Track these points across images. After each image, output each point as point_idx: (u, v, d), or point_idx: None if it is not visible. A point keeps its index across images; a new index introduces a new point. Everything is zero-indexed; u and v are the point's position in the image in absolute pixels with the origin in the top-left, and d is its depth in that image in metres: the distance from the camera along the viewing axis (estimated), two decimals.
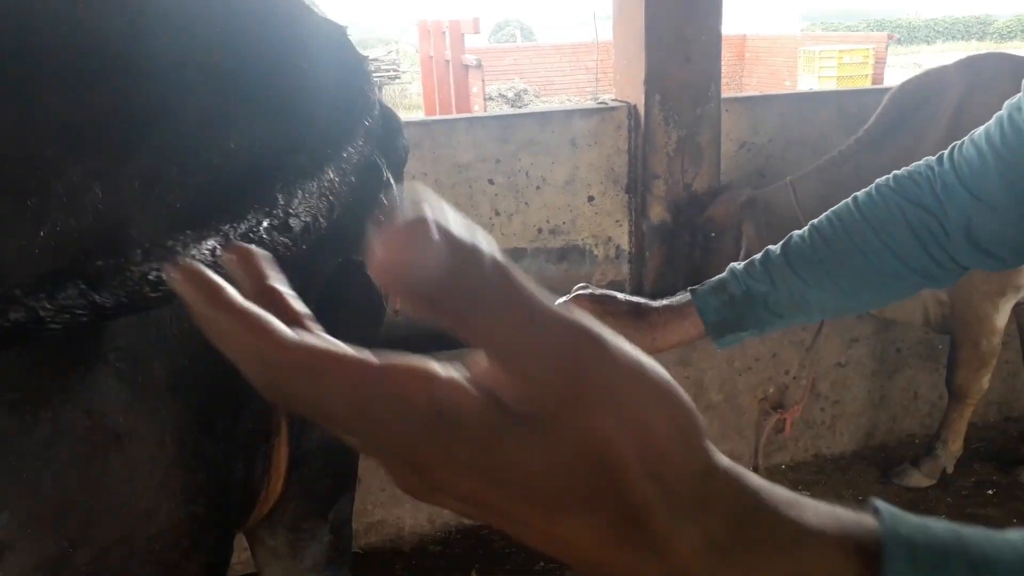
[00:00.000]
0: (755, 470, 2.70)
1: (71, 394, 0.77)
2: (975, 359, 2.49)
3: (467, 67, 9.47)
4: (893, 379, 3.04)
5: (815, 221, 1.13)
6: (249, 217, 0.71)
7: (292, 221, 0.73)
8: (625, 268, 3.16)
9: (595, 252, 3.13)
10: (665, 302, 1.13)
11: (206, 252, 0.69)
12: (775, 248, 1.13)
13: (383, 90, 15.59)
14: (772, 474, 2.71)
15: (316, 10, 0.92)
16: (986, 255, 1.05)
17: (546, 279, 3.02)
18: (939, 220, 1.05)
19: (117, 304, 0.67)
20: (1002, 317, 2.46)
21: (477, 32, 9.97)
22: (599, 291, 1.12)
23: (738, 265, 1.14)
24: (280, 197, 0.73)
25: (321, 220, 0.77)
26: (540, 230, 3.06)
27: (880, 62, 14.04)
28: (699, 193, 2.97)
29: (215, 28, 0.81)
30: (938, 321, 2.62)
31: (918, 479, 2.61)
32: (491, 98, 12.71)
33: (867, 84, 12.41)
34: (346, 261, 1.02)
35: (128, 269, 0.67)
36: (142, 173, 0.70)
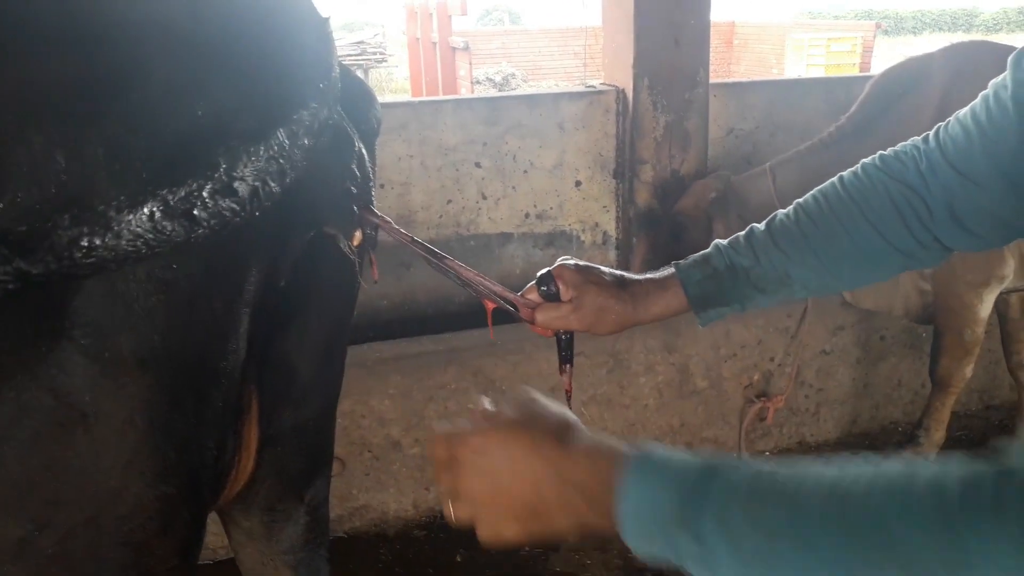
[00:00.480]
0: (738, 457, 2.71)
1: (34, 372, 0.75)
2: (959, 348, 2.50)
3: (454, 49, 9.41)
4: (877, 367, 3.06)
5: (800, 200, 1.14)
6: (189, 181, 0.69)
7: (237, 185, 0.71)
8: (612, 254, 3.15)
9: (582, 237, 3.11)
10: (648, 275, 1.15)
11: (143, 217, 0.67)
12: (759, 225, 1.14)
13: (369, 72, 15.48)
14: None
15: None
16: (968, 234, 1.05)
17: (533, 264, 3.00)
18: (923, 198, 1.06)
19: (45, 271, 0.65)
20: (986, 307, 2.46)
21: (464, 14, 9.90)
22: (583, 263, 1.13)
23: (722, 240, 1.15)
24: (222, 160, 0.70)
25: (272, 184, 0.74)
26: (527, 215, 3.04)
27: (868, 51, 14.06)
28: (686, 179, 2.95)
29: None
30: (918, 312, 2.63)
31: None
32: (478, 82, 12.62)
33: (855, 72, 12.43)
34: (318, 234, 1.00)
35: (55, 234, 0.64)
36: (107, 142, 0.68)
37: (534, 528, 0.73)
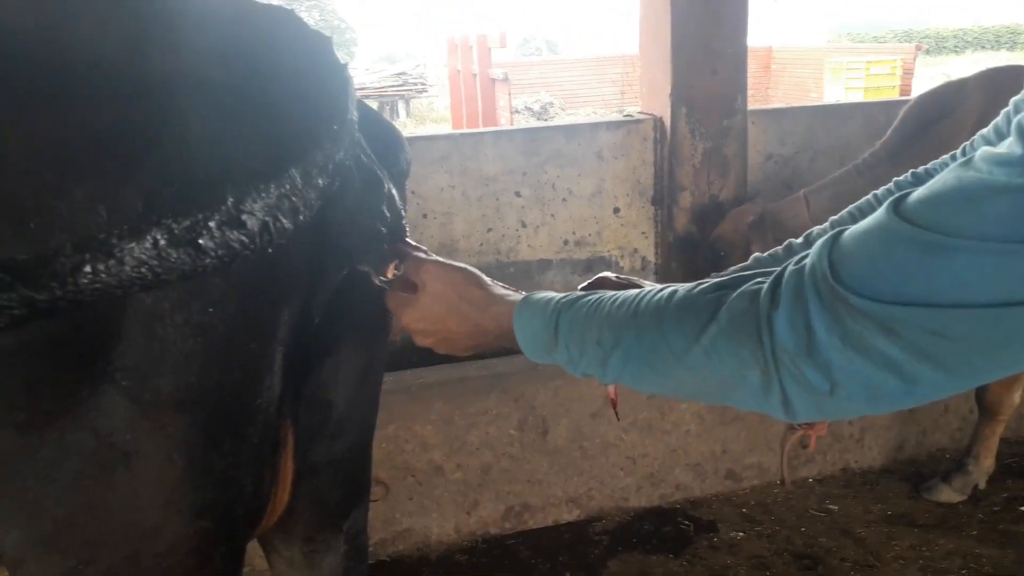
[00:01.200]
0: (781, 483, 2.68)
1: (76, 414, 0.77)
2: (1006, 376, 2.46)
3: (494, 80, 9.52)
4: None
5: (834, 216, 1.19)
6: (195, 212, 0.71)
7: (246, 218, 0.74)
8: (651, 279, 3.16)
9: (621, 263, 3.13)
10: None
11: (147, 246, 0.69)
12: (797, 239, 1.19)
13: (410, 103, 15.71)
14: (799, 488, 2.69)
15: (297, 19, 0.93)
16: None
17: (571, 289, 3.03)
18: None
19: (51, 298, 0.66)
20: None
21: (504, 46, 10.02)
22: (624, 277, 1.17)
23: (761, 254, 1.20)
24: (230, 195, 0.73)
25: (283, 221, 0.77)
26: (566, 241, 3.07)
27: (908, 73, 13.90)
28: (725, 205, 2.96)
29: (209, 39, 0.82)
30: None
31: (948, 494, 2.58)
32: (517, 111, 12.75)
33: (895, 95, 12.29)
34: (351, 272, 1.03)
35: (57, 261, 0.66)
36: (144, 194, 0.71)
37: (472, 350, 1.03)
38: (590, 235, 3.07)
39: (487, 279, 1.02)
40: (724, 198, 2.98)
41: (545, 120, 13.05)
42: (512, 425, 2.44)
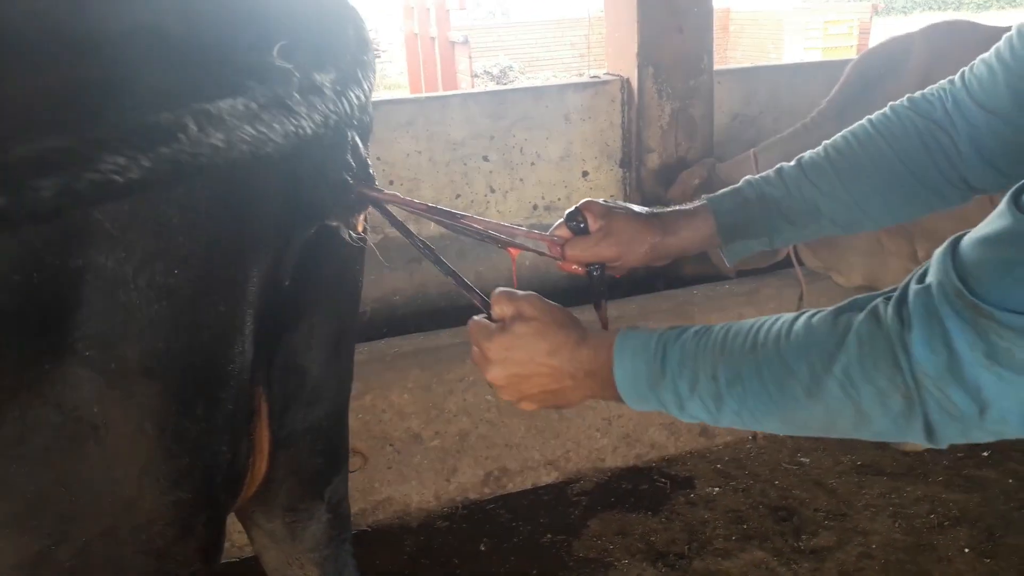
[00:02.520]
0: (752, 438, 2.73)
1: (38, 389, 0.74)
2: None
3: (453, 44, 9.40)
4: None
5: (828, 140, 1.17)
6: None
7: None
8: None
9: None
10: (678, 207, 1.19)
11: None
12: (789, 162, 1.17)
13: None
14: (772, 442, 2.74)
15: None
16: (995, 171, 1.08)
17: (541, 255, 3.02)
18: (949, 135, 1.08)
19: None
20: None
21: (463, 8, 9.88)
22: (610, 200, 1.15)
23: (753, 176, 1.18)
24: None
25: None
26: (535, 206, 3.06)
27: (865, 33, 13.99)
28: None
29: None
30: None
31: (914, 444, 2.65)
32: (476, 75, 12.60)
33: (852, 55, 12.37)
34: (321, 228, 1.00)
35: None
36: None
37: (548, 404, 0.95)
38: (559, 199, 3.05)
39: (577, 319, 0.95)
40: (692, 159, 2.98)
41: (505, 84, 12.93)
42: (489, 391, 2.44)
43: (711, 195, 1.16)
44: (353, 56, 0.91)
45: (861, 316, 0.72)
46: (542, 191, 3.04)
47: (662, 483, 2.57)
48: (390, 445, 2.38)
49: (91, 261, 0.73)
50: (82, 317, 0.74)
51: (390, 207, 1.03)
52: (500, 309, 0.94)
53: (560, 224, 1.12)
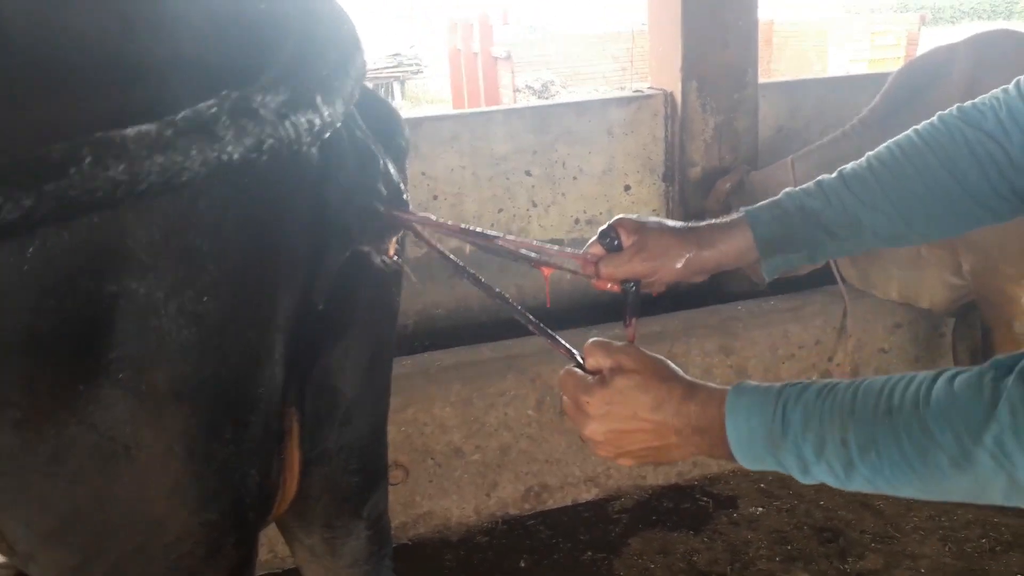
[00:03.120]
0: None
1: (73, 409, 0.76)
2: (1010, 341, 2.44)
3: (496, 59, 9.46)
4: (937, 364, 3.00)
5: (872, 152, 1.11)
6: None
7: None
8: None
9: None
10: (714, 220, 1.13)
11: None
12: (829, 174, 1.12)
13: (405, 84, 15.60)
14: None
15: None
16: None
17: (575, 273, 3.01)
18: (1002, 145, 1.03)
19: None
20: None
21: (506, 23, 9.95)
22: (641, 218, 1.10)
23: (792, 188, 1.13)
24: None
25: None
26: (577, 220, 3.05)
27: (912, 44, 13.77)
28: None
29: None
30: (945, 306, 2.58)
31: None
32: (518, 90, 12.66)
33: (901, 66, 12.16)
34: (355, 254, 1.01)
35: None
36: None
37: (649, 461, 0.90)
38: (601, 213, 3.05)
39: (680, 371, 0.90)
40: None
41: (547, 99, 12.97)
42: (530, 406, 2.44)
43: (749, 208, 1.11)
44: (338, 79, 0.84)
45: (1011, 379, 0.67)
46: (584, 205, 3.04)
47: (704, 502, 2.53)
48: (431, 458, 2.39)
49: (124, 287, 0.75)
50: (116, 341, 0.76)
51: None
52: (596, 360, 0.90)
53: (594, 242, 1.10)
